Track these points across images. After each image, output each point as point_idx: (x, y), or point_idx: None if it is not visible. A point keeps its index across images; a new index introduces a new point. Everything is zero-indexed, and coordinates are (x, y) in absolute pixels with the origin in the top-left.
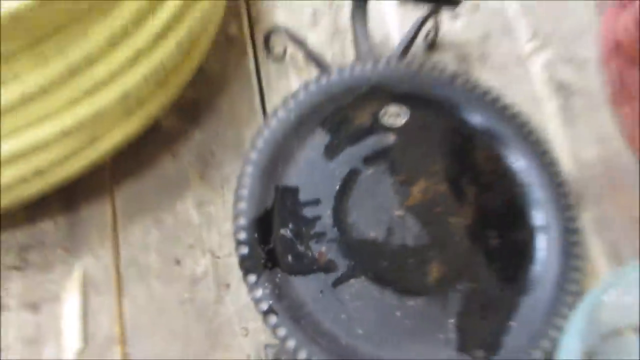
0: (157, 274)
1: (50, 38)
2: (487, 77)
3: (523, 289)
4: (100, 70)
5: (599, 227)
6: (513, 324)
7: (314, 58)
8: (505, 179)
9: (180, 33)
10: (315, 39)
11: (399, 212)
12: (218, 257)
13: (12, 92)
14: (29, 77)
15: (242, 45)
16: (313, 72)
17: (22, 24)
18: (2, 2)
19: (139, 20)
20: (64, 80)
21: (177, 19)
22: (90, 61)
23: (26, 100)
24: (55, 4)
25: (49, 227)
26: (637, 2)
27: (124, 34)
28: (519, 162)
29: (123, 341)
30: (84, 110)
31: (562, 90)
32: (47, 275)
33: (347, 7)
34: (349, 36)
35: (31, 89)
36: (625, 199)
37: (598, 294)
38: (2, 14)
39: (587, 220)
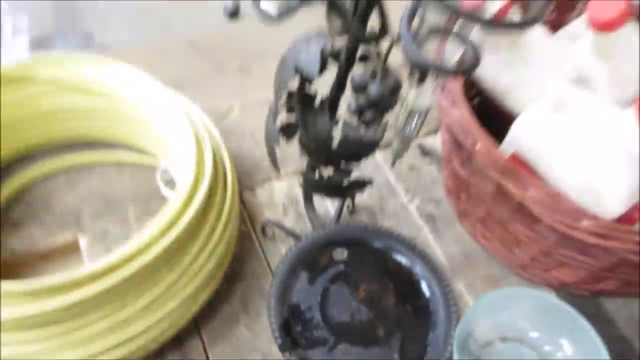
0: None
1: (168, 261)
2: (387, 222)
3: (430, 330)
4: (190, 270)
5: (469, 289)
6: (429, 349)
7: (290, 233)
8: (406, 274)
9: (226, 241)
10: (288, 222)
11: (355, 304)
12: (264, 353)
13: (147, 297)
14: (151, 292)
15: (249, 235)
16: (291, 240)
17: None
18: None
19: (205, 243)
20: (173, 286)
21: (222, 235)
22: (186, 271)
23: (152, 302)
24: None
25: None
26: (450, 164)
27: (200, 252)
28: (411, 263)
29: None
30: (183, 294)
31: (430, 219)
32: None
33: (301, 202)
34: (305, 216)
35: (160, 293)
36: (480, 271)
37: (465, 320)
38: (126, 274)
39: (460, 286)
